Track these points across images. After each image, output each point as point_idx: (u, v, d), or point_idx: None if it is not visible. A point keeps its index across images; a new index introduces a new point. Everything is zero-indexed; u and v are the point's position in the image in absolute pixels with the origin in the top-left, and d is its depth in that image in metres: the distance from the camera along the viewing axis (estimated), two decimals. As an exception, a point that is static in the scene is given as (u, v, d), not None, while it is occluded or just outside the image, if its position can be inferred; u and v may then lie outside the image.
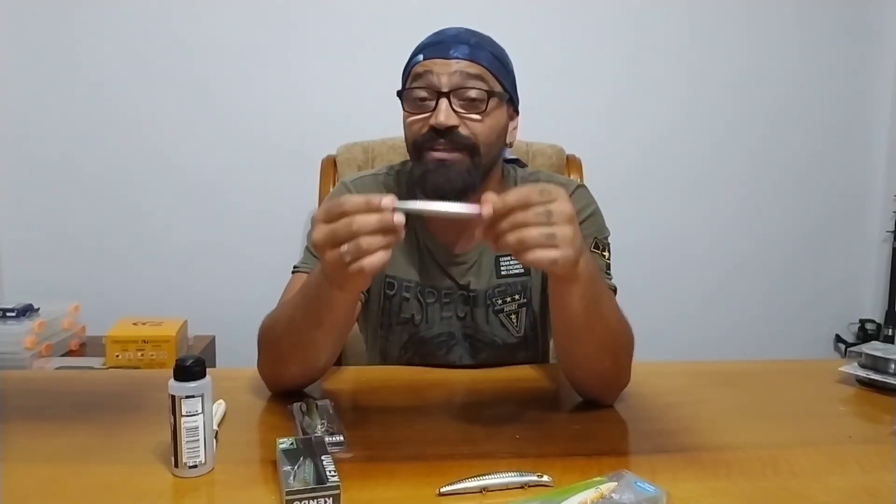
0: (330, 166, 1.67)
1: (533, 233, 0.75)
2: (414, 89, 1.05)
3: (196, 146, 2.10)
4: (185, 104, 2.08)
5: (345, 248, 0.75)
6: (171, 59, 2.06)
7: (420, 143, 1.05)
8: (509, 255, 1.15)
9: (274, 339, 0.97)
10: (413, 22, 1.99)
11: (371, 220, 0.74)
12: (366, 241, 0.74)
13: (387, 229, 0.75)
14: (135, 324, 1.85)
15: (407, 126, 1.08)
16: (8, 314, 1.82)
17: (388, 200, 0.75)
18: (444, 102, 1.02)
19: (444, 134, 1.03)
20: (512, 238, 0.76)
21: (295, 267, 1.10)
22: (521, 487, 0.74)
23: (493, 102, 1.05)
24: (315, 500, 0.68)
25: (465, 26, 1.11)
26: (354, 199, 0.76)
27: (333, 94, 2.10)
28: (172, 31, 2.05)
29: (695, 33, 2.22)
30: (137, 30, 2.04)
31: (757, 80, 2.27)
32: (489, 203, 0.76)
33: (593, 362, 0.95)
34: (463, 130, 1.03)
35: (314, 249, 0.80)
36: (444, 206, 0.79)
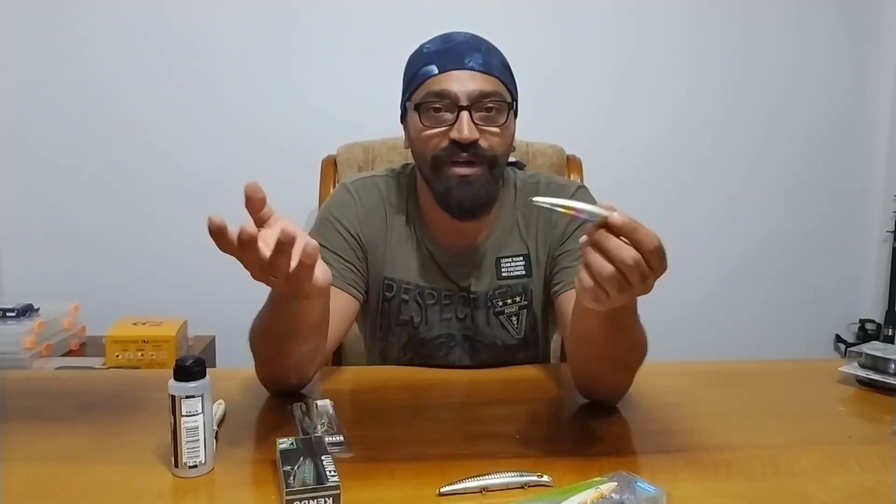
0: (330, 166, 1.67)
1: (612, 273, 0.70)
2: (431, 102, 1.04)
3: (196, 146, 2.10)
4: (185, 104, 2.08)
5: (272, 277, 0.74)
6: (172, 59, 2.06)
7: (441, 157, 1.04)
8: (510, 256, 1.15)
9: (256, 348, 0.96)
10: (414, 22, 2.00)
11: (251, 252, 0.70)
12: (276, 261, 0.71)
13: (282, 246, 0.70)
14: (135, 324, 1.85)
15: (423, 140, 1.06)
16: (8, 314, 1.82)
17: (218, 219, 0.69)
18: (465, 116, 1.01)
19: (467, 147, 1.02)
20: (594, 260, 0.70)
21: (294, 269, 1.10)
22: (521, 487, 0.74)
23: (509, 114, 1.05)
24: (315, 500, 0.68)
25: (466, 31, 1.10)
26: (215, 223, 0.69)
27: (334, 94, 2.10)
28: (173, 31, 2.05)
29: (694, 33, 2.22)
30: (138, 30, 2.04)
31: (757, 79, 2.26)
32: (619, 213, 0.70)
33: (604, 378, 0.94)
34: (483, 143, 1.03)
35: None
36: (579, 205, 0.72)
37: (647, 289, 0.73)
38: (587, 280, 0.72)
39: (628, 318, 0.85)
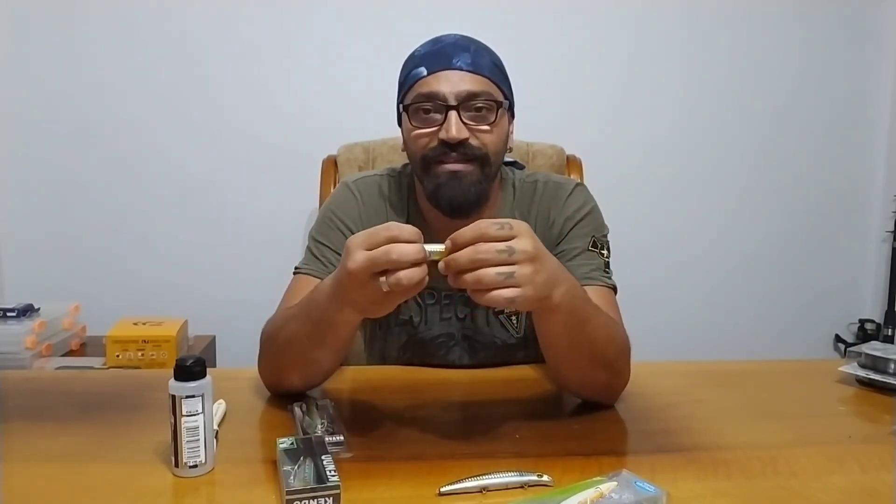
0: (331, 166, 1.67)
1: (490, 273, 0.74)
2: (420, 104, 1.04)
3: (196, 146, 2.10)
4: (185, 104, 2.08)
5: (384, 279, 0.75)
6: (172, 59, 2.06)
7: (431, 157, 1.04)
8: None
9: (275, 350, 0.96)
10: (414, 22, 2.00)
11: (410, 250, 0.74)
12: (406, 275, 0.74)
13: (420, 261, 0.75)
14: (135, 324, 1.85)
15: (413, 140, 1.06)
16: (8, 314, 1.82)
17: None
18: (453, 115, 1.01)
19: (456, 147, 1.02)
20: (470, 277, 0.74)
21: (296, 268, 1.10)
22: (521, 487, 0.74)
23: (499, 112, 1.05)
24: (315, 500, 0.68)
25: (461, 32, 1.10)
26: (404, 227, 0.76)
27: (334, 94, 2.10)
28: (172, 31, 2.05)
29: (694, 33, 2.22)
30: (138, 30, 2.04)
31: (757, 80, 2.27)
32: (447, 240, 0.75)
33: (586, 377, 0.94)
34: (473, 142, 1.03)
35: (351, 277, 0.78)
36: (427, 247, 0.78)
37: (531, 256, 0.75)
38: (480, 297, 0.76)
39: (582, 309, 0.87)
